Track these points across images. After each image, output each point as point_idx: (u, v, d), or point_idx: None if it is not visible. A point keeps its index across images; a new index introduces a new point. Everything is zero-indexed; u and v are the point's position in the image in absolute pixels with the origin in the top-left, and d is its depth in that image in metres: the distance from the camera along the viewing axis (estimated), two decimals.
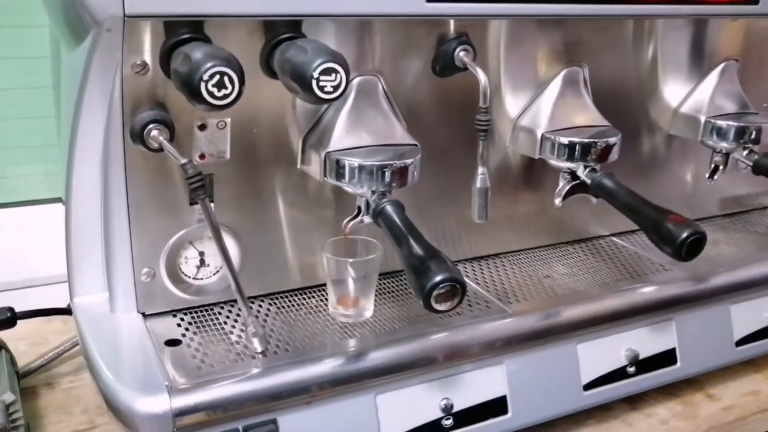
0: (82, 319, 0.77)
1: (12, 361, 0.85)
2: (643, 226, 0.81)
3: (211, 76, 0.58)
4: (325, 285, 0.87)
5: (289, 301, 0.85)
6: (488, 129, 0.76)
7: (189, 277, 0.80)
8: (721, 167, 1.01)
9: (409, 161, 0.75)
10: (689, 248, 0.77)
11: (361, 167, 0.74)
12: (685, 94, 1.01)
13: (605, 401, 0.89)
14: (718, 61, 1.01)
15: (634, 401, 0.93)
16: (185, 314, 0.80)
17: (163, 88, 0.70)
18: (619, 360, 0.89)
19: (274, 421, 0.70)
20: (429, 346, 0.77)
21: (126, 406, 0.65)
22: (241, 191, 0.80)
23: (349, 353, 0.74)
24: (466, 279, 0.90)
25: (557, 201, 0.89)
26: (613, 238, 1.05)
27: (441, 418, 0.78)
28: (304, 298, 0.86)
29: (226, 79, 0.58)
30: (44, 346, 0.98)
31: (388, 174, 0.74)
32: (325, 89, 0.62)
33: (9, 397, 0.77)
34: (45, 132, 1.11)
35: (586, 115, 0.90)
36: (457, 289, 0.64)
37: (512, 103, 0.90)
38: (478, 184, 0.79)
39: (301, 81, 0.61)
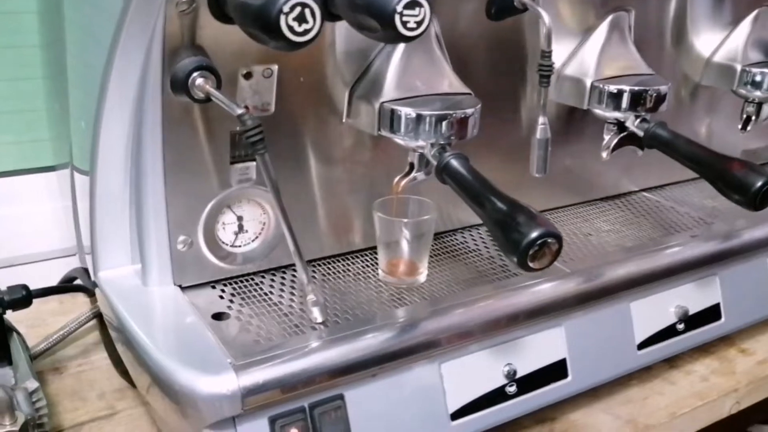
0: (113, 294, 0.69)
1: (25, 345, 0.77)
2: (707, 175, 0.78)
3: (292, 8, 0.51)
4: (364, 250, 0.82)
5: (332, 267, 0.79)
6: (551, 74, 0.71)
7: (227, 244, 0.73)
8: (753, 117, 0.98)
9: (469, 111, 0.69)
10: (764, 197, 0.74)
11: (419, 117, 0.68)
12: (718, 43, 0.97)
13: (658, 359, 0.87)
14: (751, 8, 0.97)
15: (671, 360, 0.91)
16: (225, 285, 0.73)
17: (207, 31, 0.62)
18: (669, 317, 0.86)
19: (341, 397, 0.64)
20: (493, 309, 0.73)
21: (186, 387, 0.58)
22: (280, 149, 0.72)
23: (412, 321, 0.69)
24: None
25: (604, 154, 0.85)
26: (645, 194, 1.02)
27: (505, 385, 0.73)
28: (347, 264, 0.80)
29: (307, 12, 0.51)
30: (43, 329, 0.90)
31: (447, 125, 0.68)
32: (408, 25, 0.55)
33: (32, 384, 0.69)
34: (22, 96, 1.00)
35: (631, 63, 0.85)
36: (549, 245, 0.59)
37: (556, 51, 0.84)
38: (539, 134, 0.74)
39: (381, 17, 0.55)
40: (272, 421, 0.61)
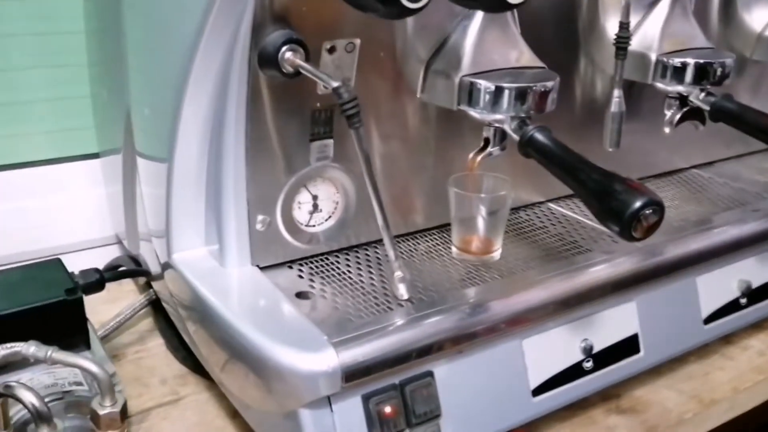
0: (191, 275, 0.68)
1: (94, 330, 0.76)
2: None
3: None
4: (429, 229, 0.81)
5: (401, 246, 0.78)
6: (628, 46, 0.70)
7: (302, 224, 0.72)
8: None
9: (549, 84, 0.68)
10: None
11: (499, 91, 0.67)
12: None
13: (723, 334, 0.86)
14: None
15: (726, 336, 0.90)
16: (301, 265, 0.72)
17: (292, 4, 0.61)
18: (733, 292, 0.86)
19: (430, 374, 0.64)
20: (571, 285, 0.72)
21: (284, 365, 0.57)
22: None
23: (496, 298, 0.68)
24: (572, 214, 0.86)
25: (667, 129, 0.85)
26: (696, 170, 1.02)
27: (582, 361, 0.73)
28: (415, 243, 0.79)
29: None
30: (96, 316, 0.88)
31: (528, 99, 0.67)
32: None
33: (110, 367, 0.68)
34: (64, 83, 0.98)
35: (692, 36, 0.85)
36: (651, 214, 0.58)
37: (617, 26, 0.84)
38: (613, 108, 0.73)
39: None
40: (366, 399, 0.60)
